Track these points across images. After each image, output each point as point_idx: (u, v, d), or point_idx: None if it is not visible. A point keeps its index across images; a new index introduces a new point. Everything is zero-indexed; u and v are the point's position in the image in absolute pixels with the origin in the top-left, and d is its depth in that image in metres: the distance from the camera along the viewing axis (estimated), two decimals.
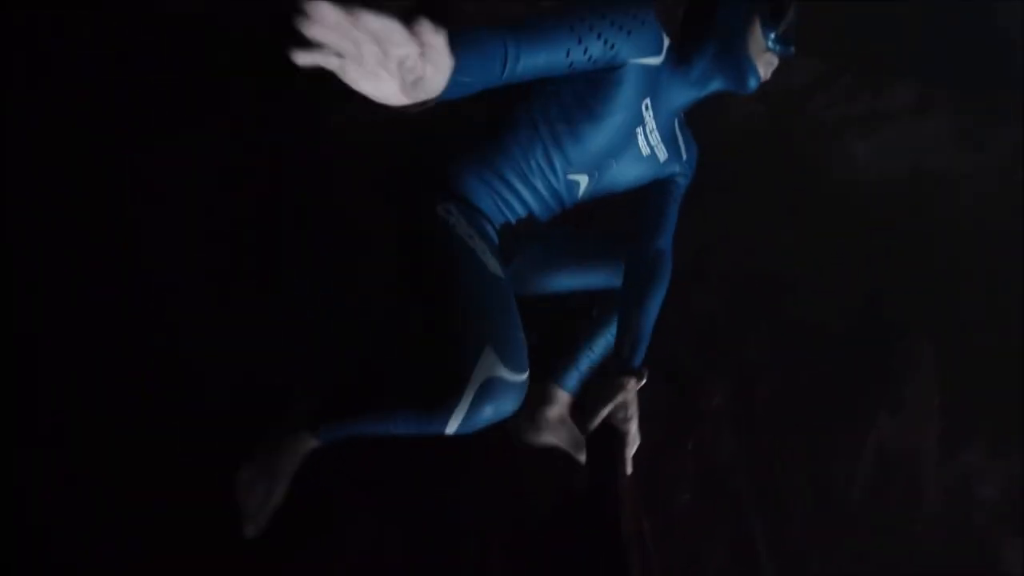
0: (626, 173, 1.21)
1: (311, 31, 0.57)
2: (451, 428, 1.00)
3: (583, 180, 1.19)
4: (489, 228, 1.19)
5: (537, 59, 0.93)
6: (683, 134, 1.31)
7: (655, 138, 1.19)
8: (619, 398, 1.14)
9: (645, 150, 1.19)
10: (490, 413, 0.99)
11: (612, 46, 1.00)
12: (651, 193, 1.30)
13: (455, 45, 0.73)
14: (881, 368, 2.31)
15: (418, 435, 1.08)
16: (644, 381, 1.17)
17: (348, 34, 0.58)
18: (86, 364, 1.46)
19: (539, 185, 1.17)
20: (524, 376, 1.02)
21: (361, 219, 1.74)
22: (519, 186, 1.17)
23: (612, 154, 1.16)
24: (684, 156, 1.30)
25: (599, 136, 1.10)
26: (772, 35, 1.11)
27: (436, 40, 0.64)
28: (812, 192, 2.93)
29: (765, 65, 1.14)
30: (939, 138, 3.54)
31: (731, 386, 1.95)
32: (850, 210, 3.07)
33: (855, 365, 2.25)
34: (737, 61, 1.11)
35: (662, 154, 1.23)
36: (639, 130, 1.15)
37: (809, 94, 3.15)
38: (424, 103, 0.73)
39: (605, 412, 1.15)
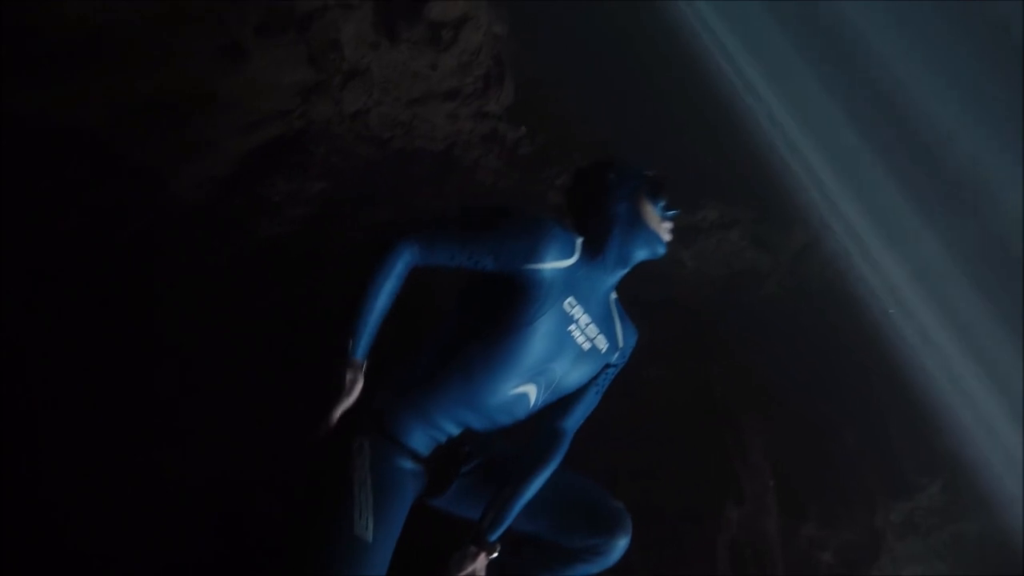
0: (572, 373, 1.23)
1: None
2: None
3: (531, 391, 1.20)
4: (407, 464, 1.17)
5: (436, 257, 1.14)
6: (621, 319, 1.32)
7: (592, 330, 1.22)
8: (468, 568, 1.16)
9: (585, 345, 1.22)
10: None
11: (497, 257, 1.13)
12: None
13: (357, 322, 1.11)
14: (720, 461, 2.52)
15: None
16: (496, 555, 1.19)
17: None
18: None
19: (485, 407, 1.18)
20: None
21: None
22: (464, 413, 1.18)
23: (550, 358, 1.18)
24: (621, 343, 1.30)
25: (529, 346, 1.14)
26: (660, 206, 1.25)
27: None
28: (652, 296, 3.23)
29: (665, 231, 1.25)
30: (742, 244, 4.20)
31: None
32: (681, 309, 3.45)
33: (696, 462, 2.44)
34: (644, 237, 1.22)
35: (603, 344, 1.25)
36: (572, 328, 1.19)
37: None
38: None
39: None
